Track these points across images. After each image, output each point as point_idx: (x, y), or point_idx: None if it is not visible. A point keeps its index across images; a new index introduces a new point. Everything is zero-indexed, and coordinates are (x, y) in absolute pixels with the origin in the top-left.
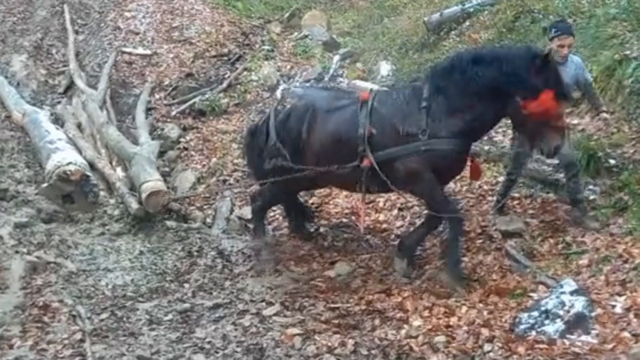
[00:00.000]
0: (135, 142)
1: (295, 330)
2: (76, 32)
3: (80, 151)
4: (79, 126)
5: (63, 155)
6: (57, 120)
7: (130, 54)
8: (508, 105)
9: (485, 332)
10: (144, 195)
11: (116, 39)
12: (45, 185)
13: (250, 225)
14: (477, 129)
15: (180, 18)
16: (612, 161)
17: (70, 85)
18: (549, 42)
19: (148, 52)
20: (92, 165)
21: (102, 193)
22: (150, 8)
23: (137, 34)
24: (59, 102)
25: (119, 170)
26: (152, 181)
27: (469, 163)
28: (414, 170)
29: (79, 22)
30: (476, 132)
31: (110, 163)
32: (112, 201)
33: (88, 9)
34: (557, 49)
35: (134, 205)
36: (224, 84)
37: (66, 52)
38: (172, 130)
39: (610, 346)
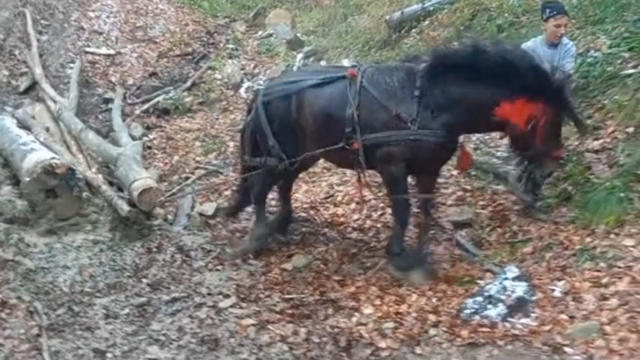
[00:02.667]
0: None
1: (250, 321)
2: (40, 33)
3: (56, 154)
4: (47, 130)
5: (43, 153)
6: (19, 125)
7: (93, 54)
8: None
9: (432, 317)
10: (135, 194)
11: (80, 39)
12: (27, 179)
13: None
14: (469, 124)
15: (144, 18)
16: None
17: (32, 86)
18: (543, 24)
19: (112, 52)
20: None
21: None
22: (114, 8)
23: (101, 33)
24: (21, 103)
25: (100, 177)
26: (142, 179)
27: (458, 152)
28: (391, 154)
29: (42, 23)
30: (468, 127)
31: (90, 169)
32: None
33: (52, 9)
34: (554, 29)
35: (125, 207)
36: (188, 83)
37: (29, 53)
38: (135, 130)
39: (547, 328)
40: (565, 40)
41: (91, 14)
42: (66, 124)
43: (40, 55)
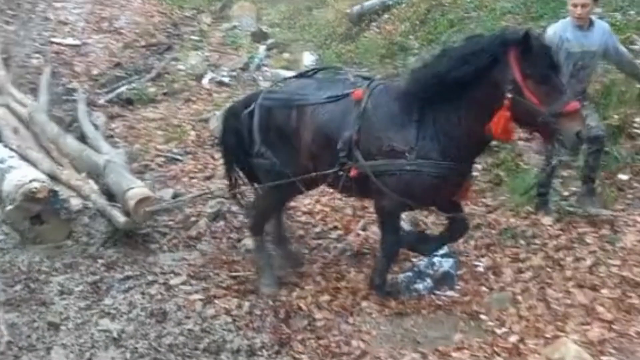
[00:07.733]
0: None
1: (198, 296)
2: (6, 23)
3: (35, 165)
4: (16, 131)
5: (22, 173)
6: None
7: (59, 44)
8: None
9: (364, 291)
10: (131, 203)
11: (45, 29)
12: (10, 207)
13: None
14: (475, 145)
15: (110, 9)
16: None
17: None
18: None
19: (77, 42)
20: (52, 178)
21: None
22: None
23: (67, 24)
24: None
25: (92, 183)
26: (138, 187)
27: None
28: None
29: (9, 13)
30: (475, 149)
31: (78, 173)
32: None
33: (19, 0)
34: (571, 10)
35: (120, 219)
36: (152, 74)
37: None
38: (98, 119)
39: (467, 298)
40: (600, 22)
41: (57, 5)
42: (40, 127)
43: (7, 45)
